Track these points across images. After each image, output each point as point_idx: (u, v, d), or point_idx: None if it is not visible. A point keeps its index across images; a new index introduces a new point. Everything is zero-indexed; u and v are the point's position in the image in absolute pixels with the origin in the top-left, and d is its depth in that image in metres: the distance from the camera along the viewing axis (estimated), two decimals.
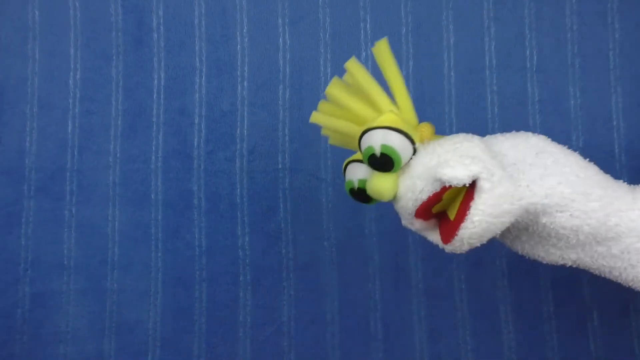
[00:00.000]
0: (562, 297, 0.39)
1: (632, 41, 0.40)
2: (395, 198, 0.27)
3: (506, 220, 0.26)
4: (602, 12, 0.40)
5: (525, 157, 0.27)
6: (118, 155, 0.40)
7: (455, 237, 0.26)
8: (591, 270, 0.29)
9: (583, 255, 0.28)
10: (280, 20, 0.41)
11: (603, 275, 0.29)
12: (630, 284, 0.28)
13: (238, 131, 0.41)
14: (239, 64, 0.41)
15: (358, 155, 0.28)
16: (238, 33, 0.41)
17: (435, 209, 0.28)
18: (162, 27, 0.41)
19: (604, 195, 0.27)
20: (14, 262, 0.40)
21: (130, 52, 0.41)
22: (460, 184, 0.25)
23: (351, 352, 0.39)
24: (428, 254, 0.40)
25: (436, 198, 0.26)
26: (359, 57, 0.40)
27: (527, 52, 0.40)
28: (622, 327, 0.39)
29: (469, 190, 0.26)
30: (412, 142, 0.27)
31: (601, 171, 0.28)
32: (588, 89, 0.40)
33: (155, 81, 0.41)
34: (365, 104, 0.28)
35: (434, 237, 0.29)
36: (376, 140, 0.26)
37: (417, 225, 0.28)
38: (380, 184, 0.27)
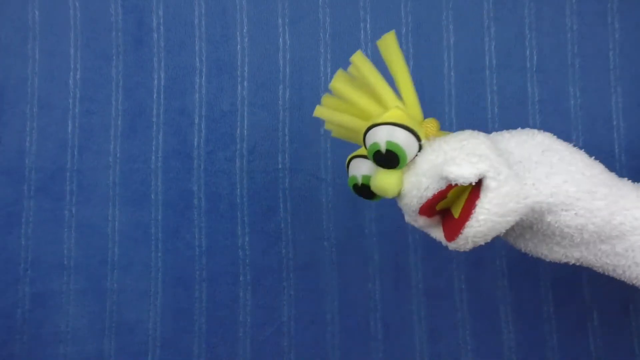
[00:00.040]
0: (562, 297, 0.39)
1: (632, 41, 0.40)
2: (399, 195, 0.27)
3: (512, 219, 0.26)
4: (602, 12, 0.40)
5: (531, 155, 0.27)
6: (118, 155, 0.40)
7: (460, 235, 0.26)
8: (594, 268, 0.29)
9: (587, 254, 0.28)
10: (280, 20, 0.41)
11: (607, 273, 0.29)
12: (634, 282, 0.28)
13: (238, 131, 0.41)
14: (239, 64, 0.41)
15: (361, 151, 0.28)
16: (238, 33, 0.41)
17: (439, 206, 0.28)
18: (162, 27, 0.41)
19: (609, 194, 0.27)
20: (14, 262, 0.40)
21: (130, 52, 0.41)
22: (467, 183, 0.25)
23: (351, 352, 0.39)
24: (428, 254, 0.40)
25: (441, 196, 0.26)
26: None
27: (527, 52, 0.40)
28: (622, 327, 0.39)
29: (475, 188, 0.26)
30: (418, 138, 0.26)
31: (606, 169, 0.28)
32: (588, 89, 0.40)
33: (155, 81, 0.41)
34: (370, 98, 0.27)
35: (437, 234, 0.28)
36: (382, 137, 0.26)
37: (420, 222, 0.28)
38: (384, 181, 0.26)
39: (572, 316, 0.39)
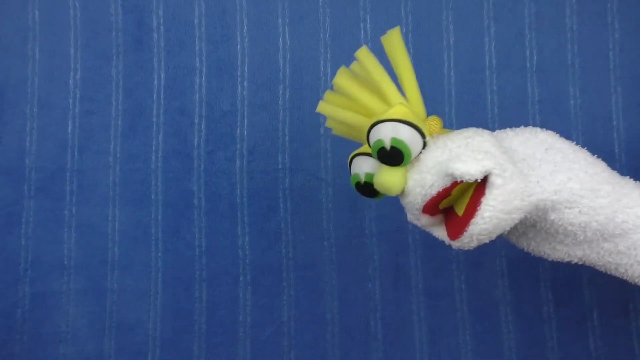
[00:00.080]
0: (562, 297, 0.39)
1: (632, 41, 0.40)
2: (403, 193, 0.27)
3: (516, 217, 0.26)
4: (602, 12, 0.40)
5: (535, 153, 0.27)
6: (118, 155, 0.40)
7: (465, 233, 0.25)
8: (597, 267, 0.29)
9: (589, 252, 0.28)
10: (280, 20, 0.41)
11: (609, 272, 0.29)
12: (636, 281, 0.28)
13: (238, 131, 0.41)
14: (239, 64, 0.41)
15: (364, 149, 0.28)
16: (238, 33, 0.41)
17: (442, 205, 0.27)
18: (162, 27, 0.41)
19: (612, 192, 0.27)
20: (14, 262, 0.40)
21: (130, 52, 0.41)
22: (472, 180, 0.25)
23: (351, 352, 0.39)
24: (428, 254, 0.40)
25: (445, 193, 0.26)
26: None
27: (527, 52, 0.40)
28: (622, 327, 0.39)
29: (479, 185, 0.26)
30: (423, 135, 0.26)
31: (609, 167, 0.28)
32: (588, 89, 0.40)
33: (155, 81, 0.41)
34: (374, 95, 0.27)
35: (440, 233, 0.28)
36: (386, 134, 0.25)
37: (423, 220, 0.28)
38: (388, 179, 0.26)
39: (572, 316, 0.39)
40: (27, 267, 0.40)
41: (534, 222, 0.27)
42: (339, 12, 0.41)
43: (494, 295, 0.39)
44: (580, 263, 0.29)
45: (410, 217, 0.28)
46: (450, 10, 0.41)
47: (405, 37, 0.41)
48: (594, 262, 0.28)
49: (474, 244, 0.26)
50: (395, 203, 0.28)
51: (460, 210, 0.27)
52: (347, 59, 0.41)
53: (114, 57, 0.41)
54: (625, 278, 0.29)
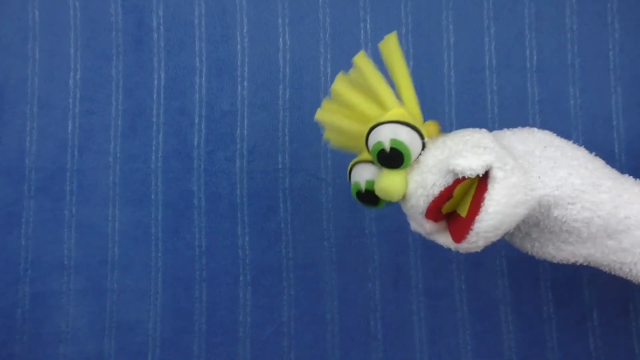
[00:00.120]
0: (562, 297, 0.39)
1: (632, 41, 0.40)
2: (404, 197, 0.27)
3: (520, 212, 0.25)
4: (602, 12, 0.40)
5: (534, 150, 0.27)
6: (118, 155, 0.40)
7: (470, 232, 0.25)
8: (601, 267, 0.29)
9: (594, 251, 0.28)
10: (280, 20, 0.41)
11: (613, 272, 0.29)
12: None
13: (238, 131, 0.41)
14: (239, 64, 0.41)
15: (363, 156, 0.28)
16: (238, 33, 0.41)
17: (445, 209, 0.27)
18: (162, 27, 0.41)
19: (613, 187, 0.27)
20: (14, 262, 0.40)
21: (130, 52, 0.41)
22: (474, 174, 0.25)
23: (351, 352, 0.39)
24: (428, 254, 0.40)
25: (448, 193, 0.26)
26: None
27: (527, 52, 0.40)
28: (622, 327, 0.39)
29: (481, 183, 0.25)
30: (422, 136, 0.26)
31: (607, 164, 0.28)
32: (588, 89, 0.40)
33: (155, 81, 0.41)
34: (372, 101, 0.27)
35: (444, 239, 0.28)
36: (385, 135, 0.26)
37: (427, 227, 0.27)
38: (389, 182, 0.26)
39: (572, 316, 0.39)
40: (27, 267, 0.40)
41: (537, 221, 0.27)
42: (339, 12, 0.41)
43: (494, 295, 0.39)
44: (585, 264, 0.29)
45: (414, 225, 0.28)
46: (450, 10, 0.41)
47: (405, 37, 0.41)
48: (598, 262, 0.28)
49: (480, 243, 0.26)
50: (395, 203, 0.28)
51: (463, 212, 0.26)
52: (347, 59, 0.41)
53: (114, 57, 0.41)
54: (629, 278, 0.29)
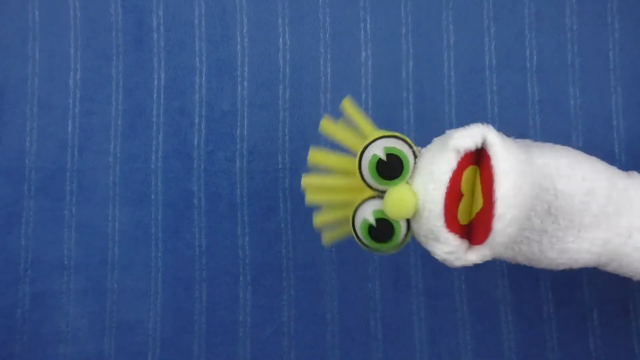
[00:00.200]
0: (562, 297, 0.39)
1: (632, 41, 0.40)
2: (417, 211, 0.26)
3: (528, 177, 0.25)
4: (602, 12, 0.40)
5: (520, 147, 0.27)
6: (118, 155, 0.40)
7: (496, 205, 0.24)
8: (623, 263, 0.28)
9: (611, 233, 0.27)
10: (280, 20, 0.41)
11: (637, 270, 0.28)
12: None
13: (238, 131, 0.41)
14: (239, 64, 0.41)
15: (357, 201, 0.27)
16: (238, 33, 0.41)
17: (461, 218, 0.26)
18: (162, 27, 0.41)
19: (605, 167, 0.27)
20: (14, 262, 0.40)
21: (130, 52, 0.41)
22: (472, 144, 0.24)
23: (351, 352, 0.39)
24: (428, 254, 0.40)
25: (457, 179, 0.25)
26: (358, 57, 0.40)
27: (527, 52, 0.40)
28: (622, 327, 0.39)
29: (483, 174, 0.25)
30: (410, 145, 0.26)
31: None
32: (588, 89, 0.40)
33: (155, 81, 0.41)
34: (359, 139, 0.27)
35: (474, 254, 0.26)
36: (378, 147, 0.26)
37: (452, 240, 0.25)
38: (398, 194, 0.25)
39: (572, 316, 0.39)
40: (27, 267, 0.40)
41: (548, 207, 0.27)
42: (339, 12, 0.41)
43: (494, 295, 0.39)
44: (604, 259, 0.28)
45: (439, 250, 0.26)
46: (450, 10, 0.41)
47: (405, 37, 0.41)
48: (620, 252, 0.28)
49: (509, 216, 0.24)
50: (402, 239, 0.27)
51: (477, 206, 0.26)
52: (347, 59, 0.41)
53: (114, 57, 0.41)
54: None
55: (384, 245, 0.26)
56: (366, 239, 0.26)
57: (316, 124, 0.41)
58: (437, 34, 0.41)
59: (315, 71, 0.41)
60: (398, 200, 0.25)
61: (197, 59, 0.41)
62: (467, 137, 0.25)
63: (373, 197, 0.27)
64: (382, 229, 0.26)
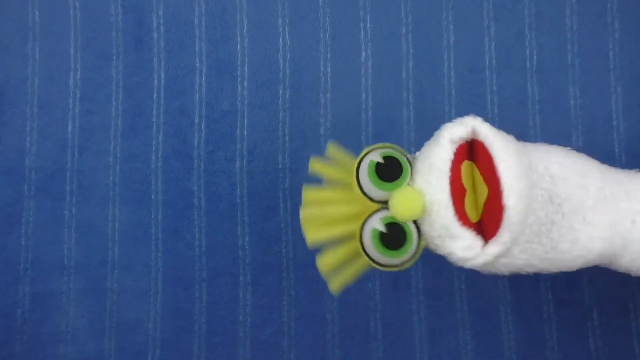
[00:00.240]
0: (562, 297, 0.39)
1: (632, 41, 0.40)
2: (426, 209, 0.25)
3: (523, 155, 0.25)
4: (602, 12, 0.40)
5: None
6: (118, 155, 0.40)
7: (502, 181, 0.24)
8: (633, 253, 0.28)
9: (616, 216, 0.27)
10: (280, 20, 0.41)
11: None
12: None
13: (238, 131, 0.41)
14: (239, 64, 0.41)
15: (365, 212, 0.26)
16: (238, 33, 0.41)
17: (471, 217, 0.26)
18: (162, 27, 0.41)
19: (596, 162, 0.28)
20: (14, 262, 0.40)
21: (130, 52, 0.41)
22: (463, 132, 0.25)
23: (351, 352, 0.39)
24: (428, 253, 0.40)
25: (457, 167, 0.25)
26: (358, 57, 0.40)
27: (527, 52, 0.40)
28: (622, 327, 0.39)
29: (480, 164, 0.25)
30: (403, 153, 0.26)
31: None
32: (588, 89, 0.40)
33: (155, 81, 0.41)
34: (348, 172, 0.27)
35: (494, 246, 0.25)
36: (374, 156, 0.26)
37: (466, 236, 0.25)
38: (404, 196, 0.25)
39: (572, 316, 0.39)
40: (27, 267, 0.40)
41: (549, 196, 0.26)
42: (339, 12, 0.41)
43: (494, 295, 0.39)
44: (618, 247, 0.27)
45: (460, 248, 0.25)
46: (450, 10, 0.41)
47: (405, 37, 0.41)
48: (628, 237, 0.27)
49: (517, 185, 0.24)
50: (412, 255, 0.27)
51: (482, 195, 0.26)
52: (347, 59, 0.41)
53: (114, 57, 0.41)
54: None
55: (398, 254, 0.25)
56: (379, 249, 0.25)
57: (316, 124, 0.41)
58: (437, 34, 0.41)
59: (315, 71, 0.41)
60: (405, 198, 0.25)
61: (197, 59, 0.41)
62: (458, 125, 0.25)
63: (377, 211, 0.26)
64: (394, 233, 0.25)
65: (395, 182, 0.26)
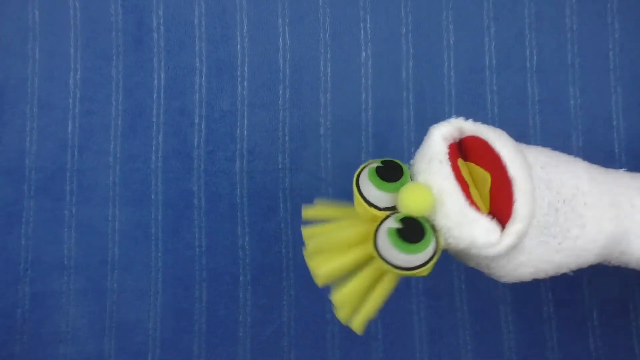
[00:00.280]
0: (562, 297, 0.39)
1: (632, 41, 0.40)
2: (437, 201, 0.25)
3: (522, 155, 0.25)
4: (602, 12, 0.40)
5: None
6: (118, 155, 0.40)
7: (503, 158, 0.24)
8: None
9: (615, 194, 0.27)
10: (280, 20, 0.41)
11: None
12: None
13: (238, 131, 0.41)
14: (239, 64, 0.41)
15: (371, 221, 0.26)
16: (238, 33, 0.41)
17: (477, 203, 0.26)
18: (162, 27, 0.41)
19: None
20: (14, 262, 0.40)
21: (130, 52, 0.41)
22: (450, 128, 0.25)
23: (351, 352, 0.39)
24: None
25: (454, 162, 0.25)
26: (358, 57, 0.40)
27: (527, 52, 0.40)
28: (622, 327, 0.39)
29: (476, 157, 0.26)
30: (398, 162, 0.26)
31: None
32: (588, 89, 0.40)
33: (155, 81, 0.41)
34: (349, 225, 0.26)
35: (515, 224, 0.24)
36: (373, 164, 0.26)
37: (484, 217, 0.24)
38: (410, 186, 0.24)
39: (572, 316, 0.39)
40: (27, 267, 0.40)
41: (546, 185, 0.26)
42: (339, 12, 0.41)
43: (494, 295, 0.39)
44: (623, 229, 0.27)
45: (482, 231, 0.24)
46: (450, 10, 0.41)
47: (405, 37, 0.41)
48: (631, 219, 0.27)
49: (518, 158, 0.24)
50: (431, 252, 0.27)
51: (485, 184, 0.25)
52: (347, 59, 0.41)
53: (114, 57, 0.41)
54: None
55: (419, 247, 0.23)
56: (398, 245, 0.23)
57: (316, 124, 0.41)
58: (437, 34, 0.41)
59: (315, 71, 0.41)
60: (413, 191, 0.24)
61: (197, 59, 0.41)
62: (444, 123, 0.26)
63: (386, 218, 0.25)
64: (411, 226, 0.23)
65: (398, 181, 0.25)
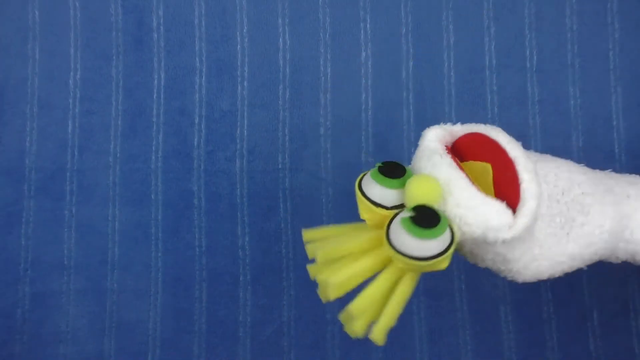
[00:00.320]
0: (562, 297, 0.39)
1: (632, 41, 0.40)
2: (444, 190, 0.24)
3: (521, 151, 0.25)
4: (602, 12, 0.40)
5: None
6: (118, 155, 0.40)
7: (505, 147, 0.24)
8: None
9: (610, 188, 0.28)
10: (280, 20, 0.41)
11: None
12: None
13: (238, 131, 0.41)
14: (239, 64, 0.41)
15: (379, 226, 0.25)
16: (238, 33, 0.41)
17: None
18: (162, 27, 0.41)
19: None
20: (14, 262, 0.40)
21: (130, 52, 0.41)
22: (441, 130, 0.26)
23: (351, 352, 0.39)
24: None
25: (453, 159, 0.25)
26: (358, 57, 0.40)
27: (527, 52, 0.40)
28: (622, 327, 0.39)
29: (473, 154, 0.26)
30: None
31: None
32: (588, 89, 0.40)
33: (155, 81, 0.41)
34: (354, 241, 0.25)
35: (528, 204, 0.23)
36: (373, 168, 0.26)
37: (492, 199, 0.24)
38: (416, 177, 0.24)
39: (572, 316, 0.39)
40: (27, 267, 0.40)
41: (543, 178, 0.27)
42: (339, 12, 0.41)
43: (494, 295, 0.39)
44: (627, 215, 0.27)
45: (495, 212, 0.23)
46: (450, 10, 0.41)
47: (405, 37, 0.41)
48: (633, 208, 0.27)
49: (517, 145, 0.25)
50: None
51: (487, 175, 0.25)
52: (347, 59, 0.41)
53: (114, 57, 0.41)
54: None
55: (436, 232, 0.22)
56: (414, 232, 0.22)
57: (316, 124, 0.41)
58: (437, 34, 0.41)
59: (315, 71, 0.41)
60: (421, 182, 0.24)
61: (197, 59, 0.41)
62: (435, 127, 0.26)
63: (395, 216, 0.25)
64: (425, 213, 0.23)
65: (401, 178, 0.25)
